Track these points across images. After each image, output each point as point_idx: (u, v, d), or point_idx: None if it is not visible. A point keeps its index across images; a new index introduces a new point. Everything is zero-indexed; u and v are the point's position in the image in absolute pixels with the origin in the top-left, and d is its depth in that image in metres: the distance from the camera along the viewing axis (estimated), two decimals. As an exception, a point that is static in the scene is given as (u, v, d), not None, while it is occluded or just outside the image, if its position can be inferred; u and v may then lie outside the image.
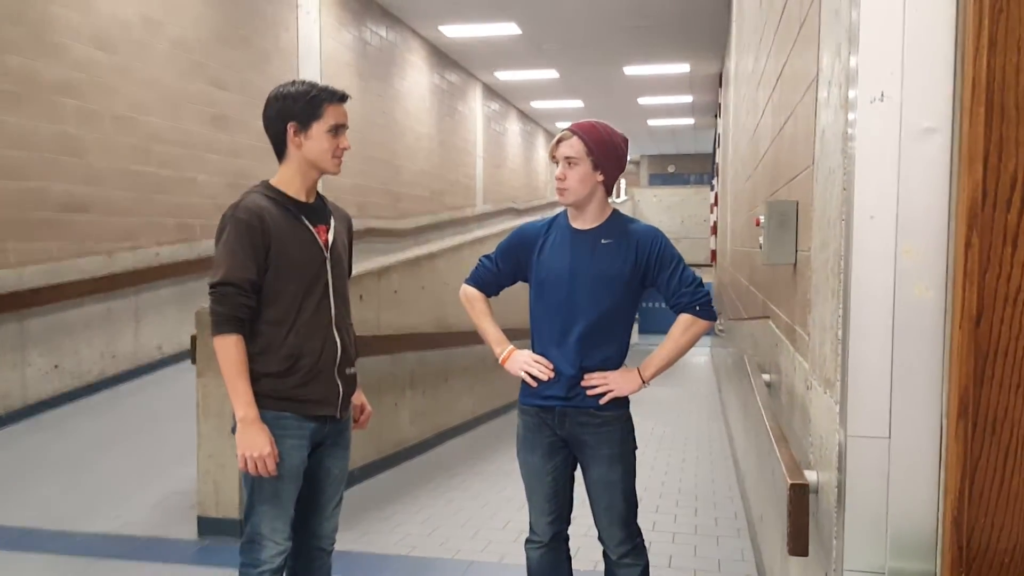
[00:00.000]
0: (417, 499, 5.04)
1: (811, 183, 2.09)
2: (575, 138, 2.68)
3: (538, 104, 20.03)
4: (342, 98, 2.57)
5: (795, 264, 2.38)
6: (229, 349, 2.41)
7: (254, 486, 2.50)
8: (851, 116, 1.53)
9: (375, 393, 5.62)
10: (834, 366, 1.64)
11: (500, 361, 2.82)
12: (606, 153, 2.69)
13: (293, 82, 2.58)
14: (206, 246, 8.10)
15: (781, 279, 2.81)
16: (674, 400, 9.79)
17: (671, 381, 13.22)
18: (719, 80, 14.76)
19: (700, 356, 17.92)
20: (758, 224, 2.46)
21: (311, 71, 9.89)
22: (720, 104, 13.89)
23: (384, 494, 5.11)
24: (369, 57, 11.73)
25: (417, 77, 13.60)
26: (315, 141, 2.52)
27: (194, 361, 4.27)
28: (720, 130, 13.32)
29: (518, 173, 21.23)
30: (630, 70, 15.54)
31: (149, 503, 4.67)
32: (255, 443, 2.39)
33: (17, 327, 6.15)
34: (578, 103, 19.27)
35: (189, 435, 4.32)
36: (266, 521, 2.50)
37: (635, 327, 15.85)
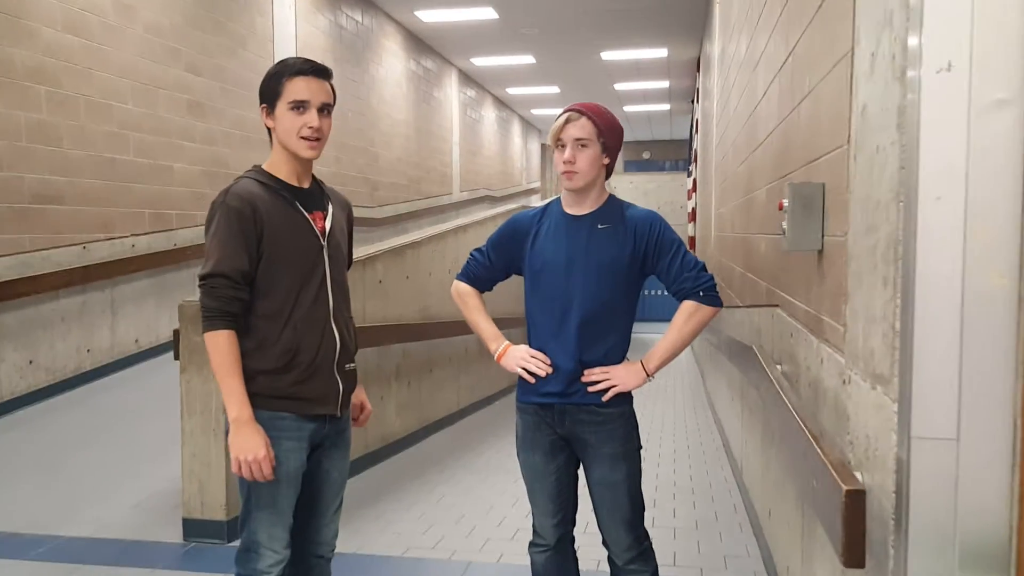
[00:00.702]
0: (407, 495, 4.91)
1: (843, 164, 1.96)
2: (585, 119, 2.53)
3: (514, 90, 19.85)
4: (301, 71, 2.35)
5: (821, 250, 2.26)
6: (221, 345, 2.25)
7: (250, 491, 2.34)
8: (910, 89, 1.40)
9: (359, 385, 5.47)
10: (889, 361, 1.52)
11: (496, 358, 2.67)
12: (614, 136, 2.60)
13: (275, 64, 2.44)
14: (183, 236, 7.93)
15: (797, 266, 2.69)
16: (656, 389, 9.70)
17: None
18: (697, 65, 14.67)
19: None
20: (781, 208, 2.34)
21: (286, 56, 9.65)
22: (698, 89, 13.79)
23: (373, 491, 4.96)
24: (345, 42, 11.51)
25: (393, 63, 13.39)
26: (280, 121, 2.35)
27: (177, 356, 4.10)
28: (699, 115, 13.23)
29: (494, 160, 21.06)
30: (607, 55, 15.41)
31: (130, 504, 4.49)
32: (250, 445, 2.23)
33: (-11, 322, 5.95)
34: (554, 89, 19.10)
35: (169, 432, 4.16)
36: (263, 528, 2.34)
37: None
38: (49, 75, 6.35)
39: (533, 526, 2.74)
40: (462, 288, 2.80)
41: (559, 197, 2.69)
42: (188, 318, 4.04)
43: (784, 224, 2.32)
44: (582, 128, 2.52)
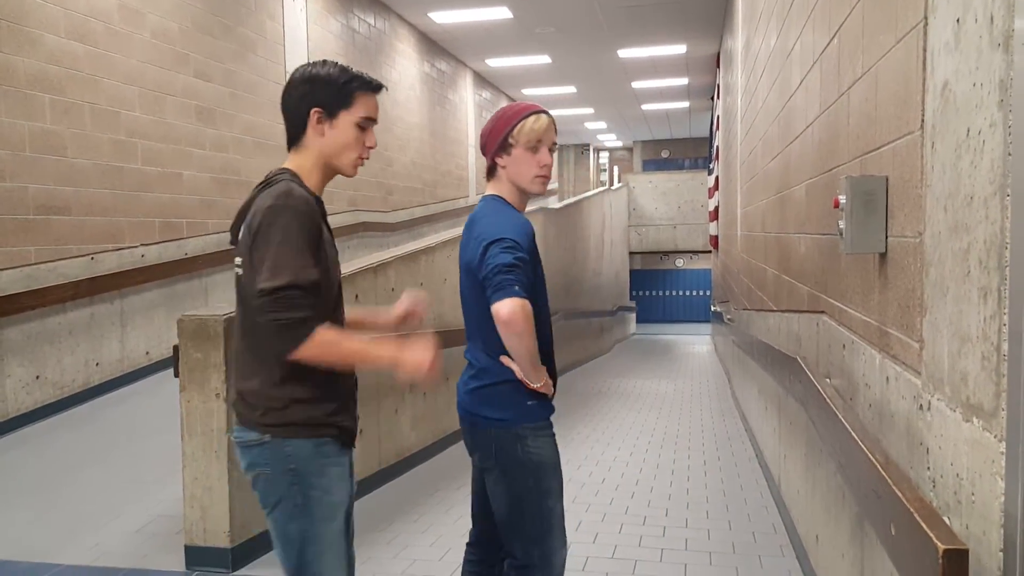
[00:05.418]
0: (423, 516, 4.65)
1: (915, 153, 1.70)
2: (554, 124, 2.50)
3: (530, 91, 19.59)
4: (376, 88, 2.18)
5: (884, 253, 1.99)
6: (326, 338, 2.00)
7: (306, 539, 2.08)
8: (1018, 57, 1.14)
9: (374, 400, 5.25)
10: (992, 390, 1.25)
11: (542, 387, 2.39)
12: None
13: (324, 62, 2.18)
14: (194, 245, 7.74)
15: (852, 269, 2.42)
16: (681, 395, 9.42)
17: (675, 373, 12.90)
18: (717, 61, 14.38)
19: (702, 345, 17.59)
20: (837, 206, 2.07)
21: (298, 61, 9.47)
22: (719, 85, 13.50)
23: (386, 511, 4.71)
24: (357, 46, 11.31)
25: (407, 66, 13.18)
26: (340, 132, 2.13)
27: (177, 374, 3.88)
28: (720, 112, 12.94)
29: (512, 163, 20.79)
30: (624, 53, 15.13)
31: (132, 529, 4.27)
32: (419, 355, 2.02)
33: (-6, 336, 5.77)
34: (571, 89, 18.84)
35: (177, 450, 3.94)
36: (335, 573, 2.12)
37: (632, 316, 15.55)
38: (53, 83, 6.17)
39: (556, 562, 2.47)
40: (530, 308, 2.26)
41: (499, 198, 2.47)
42: (188, 334, 3.81)
43: (841, 224, 2.04)
44: (555, 132, 2.48)
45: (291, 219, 2.02)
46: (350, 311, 2.33)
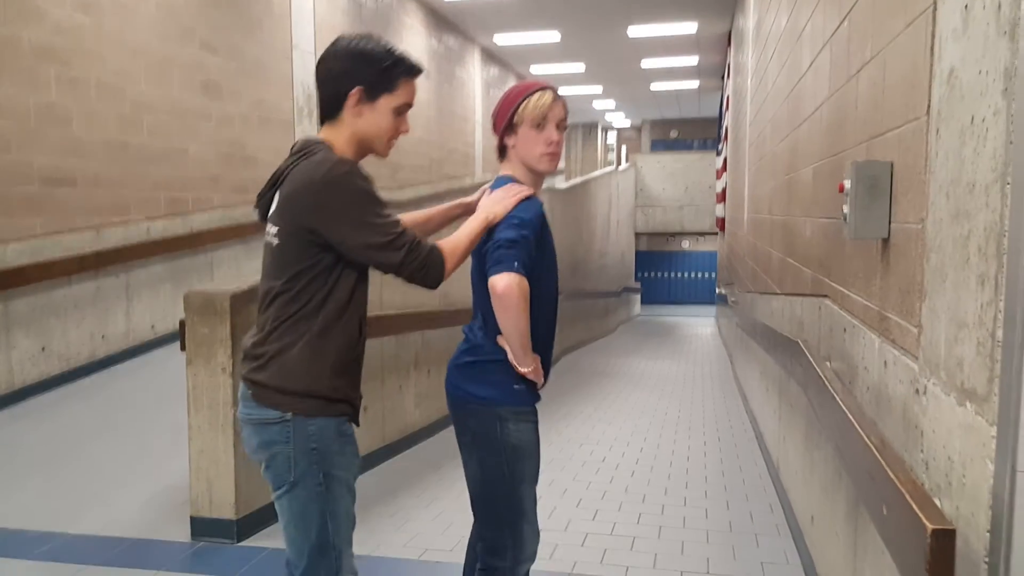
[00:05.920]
0: (426, 491, 4.70)
1: (920, 139, 1.70)
2: (563, 102, 2.43)
3: (538, 68, 19.48)
4: (420, 72, 2.15)
5: (887, 238, 2.00)
6: (452, 247, 2.15)
7: (335, 510, 2.08)
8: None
9: (378, 378, 5.28)
10: (986, 375, 1.27)
11: (532, 371, 2.36)
12: None
13: (370, 37, 2.11)
14: (199, 220, 7.76)
15: (855, 254, 2.43)
16: (684, 376, 9.46)
17: (679, 354, 12.95)
18: (728, 40, 14.28)
19: (706, 327, 17.62)
20: (842, 190, 2.07)
21: (304, 35, 9.45)
22: (729, 65, 13.42)
23: (389, 486, 4.76)
24: (364, 21, 11.26)
25: (414, 41, 13.13)
26: (378, 116, 2.08)
27: (183, 348, 3.91)
28: (730, 92, 12.88)
29: (519, 141, 20.71)
30: (634, 31, 15.03)
31: (139, 500, 4.32)
32: (498, 202, 2.33)
33: (1, 308, 5.80)
34: (579, 67, 18.74)
35: (183, 423, 3.99)
36: (350, 553, 2.14)
37: (637, 297, 15.54)
38: (58, 55, 6.17)
39: (529, 553, 2.45)
40: (527, 288, 2.24)
41: (512, 178, 2.43)
42: (195, 309, 3.84)
43: (845, 208, 2.05)
44: (564, 109, 2.42)
45: (358, 181, 2.01)
46: (418, 213, 2.71)
